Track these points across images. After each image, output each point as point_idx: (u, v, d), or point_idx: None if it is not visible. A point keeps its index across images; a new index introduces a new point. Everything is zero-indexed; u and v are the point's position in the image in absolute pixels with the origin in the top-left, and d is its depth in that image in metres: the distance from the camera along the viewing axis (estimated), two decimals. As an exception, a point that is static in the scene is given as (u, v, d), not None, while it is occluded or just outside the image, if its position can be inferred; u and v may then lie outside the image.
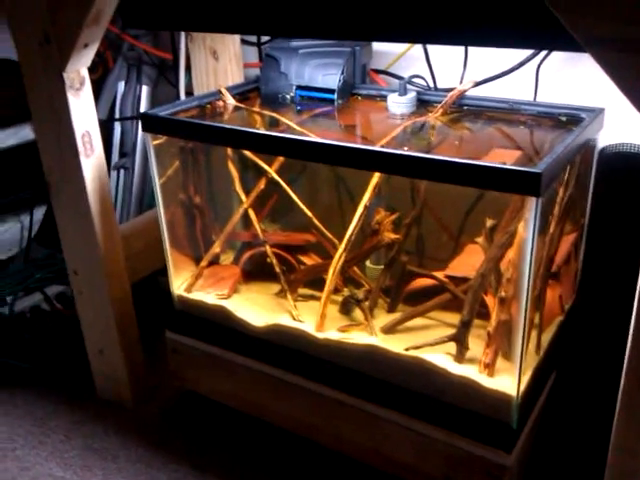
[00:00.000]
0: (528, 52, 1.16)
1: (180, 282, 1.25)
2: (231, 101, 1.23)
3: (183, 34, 1.49)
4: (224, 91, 1.23)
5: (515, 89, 1.20)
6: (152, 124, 1.14)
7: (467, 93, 1.12)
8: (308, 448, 1.18)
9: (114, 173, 1.76)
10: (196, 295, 1.23)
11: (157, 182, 1.19)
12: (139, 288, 1.36)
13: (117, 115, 1.74)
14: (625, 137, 1.11)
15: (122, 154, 1.77)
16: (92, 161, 1.18)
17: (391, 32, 0.90)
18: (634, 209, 1.05)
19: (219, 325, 1.20)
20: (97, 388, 1.39)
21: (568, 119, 1.03)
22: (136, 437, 1.27)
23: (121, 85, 1.75)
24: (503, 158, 0.91)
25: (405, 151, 0.89)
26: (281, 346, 1.12)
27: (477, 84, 1.17)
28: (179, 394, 1.35)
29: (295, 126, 1.10)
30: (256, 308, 1.18)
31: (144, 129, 1.15)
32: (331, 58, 1.22)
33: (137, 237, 1.39)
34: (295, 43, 1.28)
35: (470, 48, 1.22)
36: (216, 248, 1.25)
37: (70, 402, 1.38)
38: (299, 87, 1.23)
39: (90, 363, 1.37)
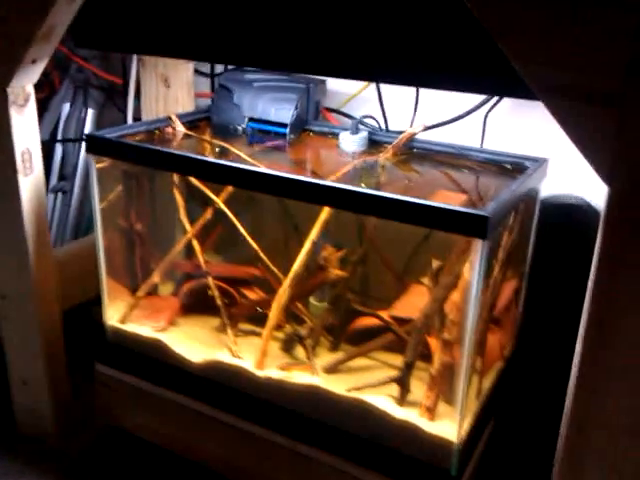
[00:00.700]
0: (477, 99, 1.19)
1: (114, 312, 1.20)
2: (181, 128, 1.21)
3: (135, 59, 1.46)
4: (174, 118, 1.21)
5: (463, 135, 1.22)
6: (97, 146, 1.10)
7: (417, 136, 1.13)
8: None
9: (51, 196, 1.70)
10: (130, 326, 1.18)
11: (97, 206, 1.14)
12: (70, 317, 1.30)
13: (60, 137, 1.69)
14: (567, 188, 1.14)
15: (61, 177, 1.72)
16: (30, 180, 1.13)
17: (346, 68, 0.90)
18: (574, 259, 1.07)
19: (153, 359, 1.15)
20: (18, 422, 1.30)
21: (513, 167, 1.05)
22: (55, 475, 1.19)
23: (66, 106, 1.71)
24: (448, 200, 0.92)
25: (354, 187, 0.88)
26: (218, 383, 1.08)
27: (427, 128, 1.20)
28: (105, 430, 1.28)
29: (245, 157, 1.08)
30: (194, 342, 1.14)
31: (88, 150, 1.11)
32: (285, 93, 1.22)
33: (71, 263, 1.34)
34: (249, 76, 1.28)
35: (421, 93, 1.25)
36: (155, 278, 1.21)
37: (-15, 436, 1.29)
38: (251, 119, 1.23)
39: (12, 395, 1.29)
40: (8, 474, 1.20)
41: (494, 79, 0.79)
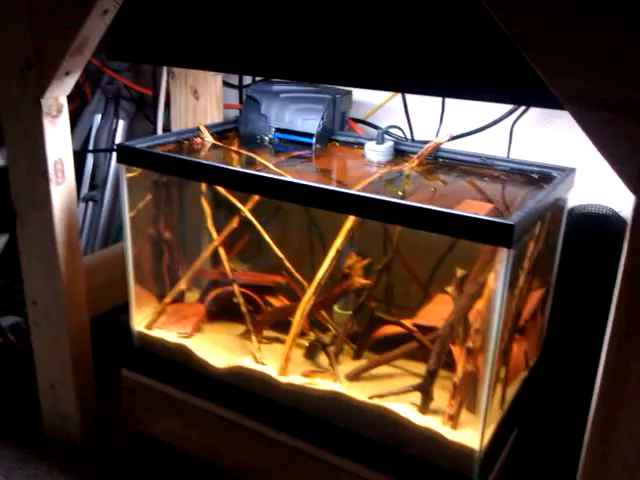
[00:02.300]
0: (504, 109, 1.19)
1: (141, 318, 1.22)
2: (209, 139, 1.23)
3: (165, 71, 1.49)
4: (203, 128, 1.24)
5: (489, 145, 1.22)
6: (127, 156, 1.13)
7: (443, 146, 1.14)
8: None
9: (82, 205, 1.73)
10: (157, 332, 1.20)
11: (127, 215, 1.17)
12: (98, 323, 1.32)
13: (91, 147, 1.72)
14: (594, 198, 1.14)
15: (92, 186, 1.75)
16: (62, 189, 1.16)
17: (372, 79, 0.91)
18: (601, 270, 1.06)
19: (179, 365, 1.16)
20: (45, 425, 1.32)
21: (540, 177, 1.05)
22: (81, 478, 1.21)
23: (97, 118, 1.74)
24: (474, 209, 0.92)
25: (381, 196, 0.89)
26: (241, 389, 1.09)
27: (453, 138, 1.20)
28: (131, 435, 1.30)
29: (272, 166, 1.10)
30: (219, 349, 1.15)
31: (119, 160, 1.14)
32: (311, 104, 1.24)
33: (100, 270, 1.36)
34: (277, 87, 1.30)
35: (447, 103, 1.25)
36: (182, 285, 1.23)
37: (15, 439, 1.31)
38: (278, 129, 1.24)
39: (40, 399, 1.31)
40: (37, 476, 1.22)
41: (521, 89, 0.80)
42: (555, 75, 0.65)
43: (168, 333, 1.19)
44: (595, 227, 1.10)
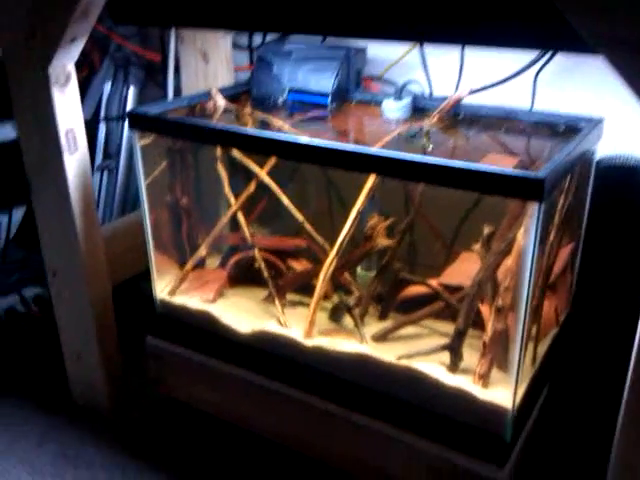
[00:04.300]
0: (525, 60, 1.15)
1: (163, 285, 1.21)
2: (221, 102, 1.20)
3: (173, 35, 1.46)
4: (215, 92, 1.21)
5: (512, 98, 1.18)
6: (139, 122, 1.11)
7: (463, 100, 1.10)
8: (293, 458, 1.14)
9: (97, 174, 1.72)
10: (180, 299, 1.19)
11: (142, 183, 1.15)
12: (120, 292, 1.32)
13: (102, 116, 1.70)
14: (623, 148, 1.10)
15: (106, 156, 1.74)
16: (76, 158, 1.14)
17: (388, 29, 0.87)
18: (631, 222, 1.03)
19: (203, 331, 1.16)
20: (73, 394, 1.34)
21: (566, 128, 1.02)
22: (112, 444, 1.23)
23: (107, 86, 1.72)
24: (500, 164, 0.90)
25: (403, 153, 0.86)
26: (267, 353, 1.09)
27: (473, 91, 1.16)
28: (158, 401, 1.31)
29: (287, 128, 1.07)
30: (242, 314, 1.14)
31: (131, 127, 1.12)
32: (325, 62, 1.20)
33: (119, 239, 1.36)
34: (288, 46, 1.26)
35: (467, 56, 1.21)
36: (202, 251, 1.21)
37: (44, 407, 1.33)
38: (292, 90, 1.21)
39: (67, 368, 1.32)
40: (69, 442, 1.24)
41: (546, 32, 0.76)
42: (585, 16, 0.61)
43: (191, 299, 1.18)
44: (625, 178, 1.06)
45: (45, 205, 1.19)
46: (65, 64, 1.09)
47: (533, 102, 1.16)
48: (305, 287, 1.12)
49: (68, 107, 1.11)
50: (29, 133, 1.14)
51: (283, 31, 1.24)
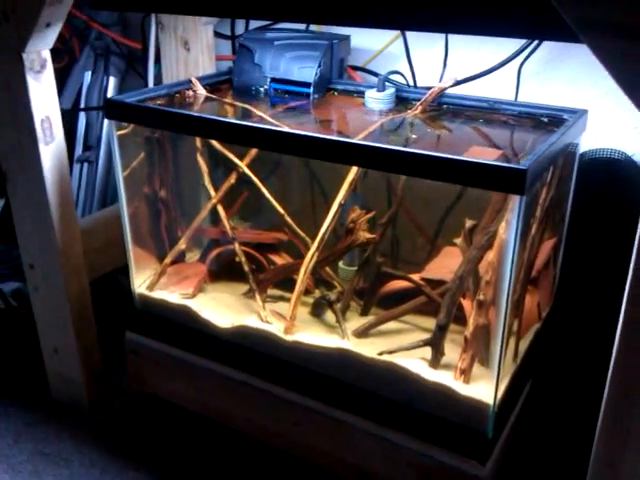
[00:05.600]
0: (510, 50, 1.13)
1: (142, 280, 1.19)
2: (202, 91, 1.18)
3: (154, 23, 1.43)
4: (195, 80, 1.18)
5: (496, 89, 1.17)
6: (117, 111, 1.08)
7: (447, 91, 1.08)
8: (273, 455, 1.13)
9: (77, 166, 1.69)
10: (158, 294, 1.17)
11: (120, 174, 1.13)
12: (98, 286, 1.30)
13: (82, 106, 1.67)
14: (606, 142, 1.09)
15: (86, 147, 1.70)
16: (52, 148, 1.11)
17: (370, 16, 0.85)
18: (614, 216, 1.02)
19: (182, 326, 1.14)
20: (51, 389, 1.32)
21: (549, 120, 1.00)
22: (91, 441, 1.21)
23: (87, 75, 1.68)
24: (483, 156, 0.88)
25: (385, 144, 0.85)
26: (247, 348, 1.07)
27: (458, 82, 1.14)
28: (137, 397, 1.29)
29: (268, 118, 1.05)
30: (222, 308, 1.13)
31: (108, 116, 1.10)
32: (308, 51, 1.18)
33: (98, 232, 1.33)
34: (270, 34, 1.23)
35: (451, 45, 1.19)
36: (181, 245, 1.19)
37: (22, 403, 1.30)
38: (274, 80, 1.19)
39: (45, 363, 1.30)
40: (47, 439, 1.22)
41: (530, 20, 0.74)
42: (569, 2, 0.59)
43: (170, 294, 1.16)
44: (607, 172, 1.05)
45: (21, 197, 1.16)
46: (40, 50, 1.06)
47: (517, 93, 1.15)
48: (286, 282, 1.10)
49: (44, 95, 1.08)
50: (3, 122, 1.11)
51: (264, 18, 1.22)
